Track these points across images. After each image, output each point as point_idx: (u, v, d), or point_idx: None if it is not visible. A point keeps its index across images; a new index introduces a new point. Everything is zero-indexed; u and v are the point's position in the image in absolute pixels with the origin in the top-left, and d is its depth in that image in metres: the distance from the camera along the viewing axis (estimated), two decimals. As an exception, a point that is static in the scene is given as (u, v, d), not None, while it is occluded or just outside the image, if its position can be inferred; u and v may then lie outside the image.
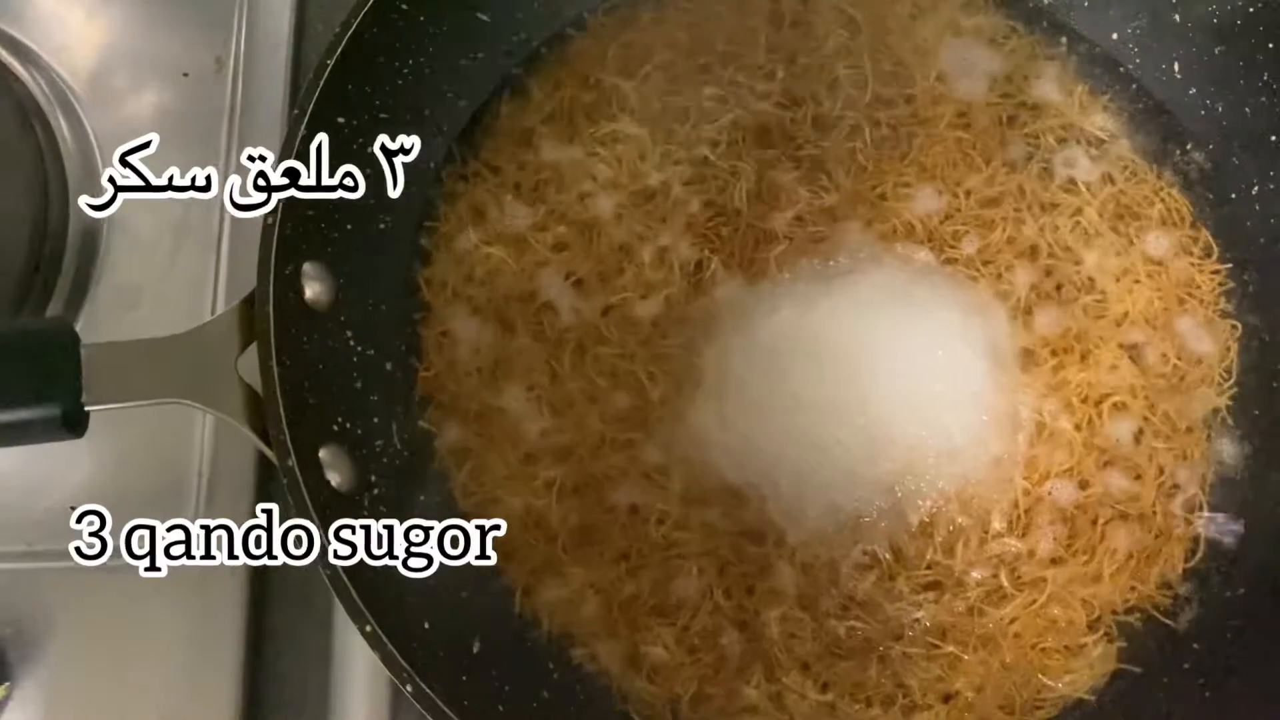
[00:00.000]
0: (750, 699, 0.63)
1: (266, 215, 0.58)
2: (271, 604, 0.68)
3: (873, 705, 0.62)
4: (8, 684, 0.65)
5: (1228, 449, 0.66)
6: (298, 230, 0.60)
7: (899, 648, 0.63)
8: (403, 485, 0.63)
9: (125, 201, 0.74)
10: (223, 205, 0.74)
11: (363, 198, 0.65)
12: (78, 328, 0.70)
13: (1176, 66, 0.71)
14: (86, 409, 0.55)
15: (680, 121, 0.70)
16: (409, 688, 0.52)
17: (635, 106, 0.70)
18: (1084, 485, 0.64)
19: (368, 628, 0.53)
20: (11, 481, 0.69)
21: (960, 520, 0.63)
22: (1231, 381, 0.67)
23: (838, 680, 0.62)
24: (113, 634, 0.67)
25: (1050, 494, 0.64)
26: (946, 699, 0.63)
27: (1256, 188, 0.69)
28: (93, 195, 0.75)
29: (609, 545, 0.65)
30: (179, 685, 0.66)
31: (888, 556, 0.63)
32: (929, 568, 0.63)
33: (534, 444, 0.66)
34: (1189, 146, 0.70)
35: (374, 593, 0.54)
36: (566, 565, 0.64)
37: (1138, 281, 0.67)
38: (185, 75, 0.78)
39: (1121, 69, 0.72)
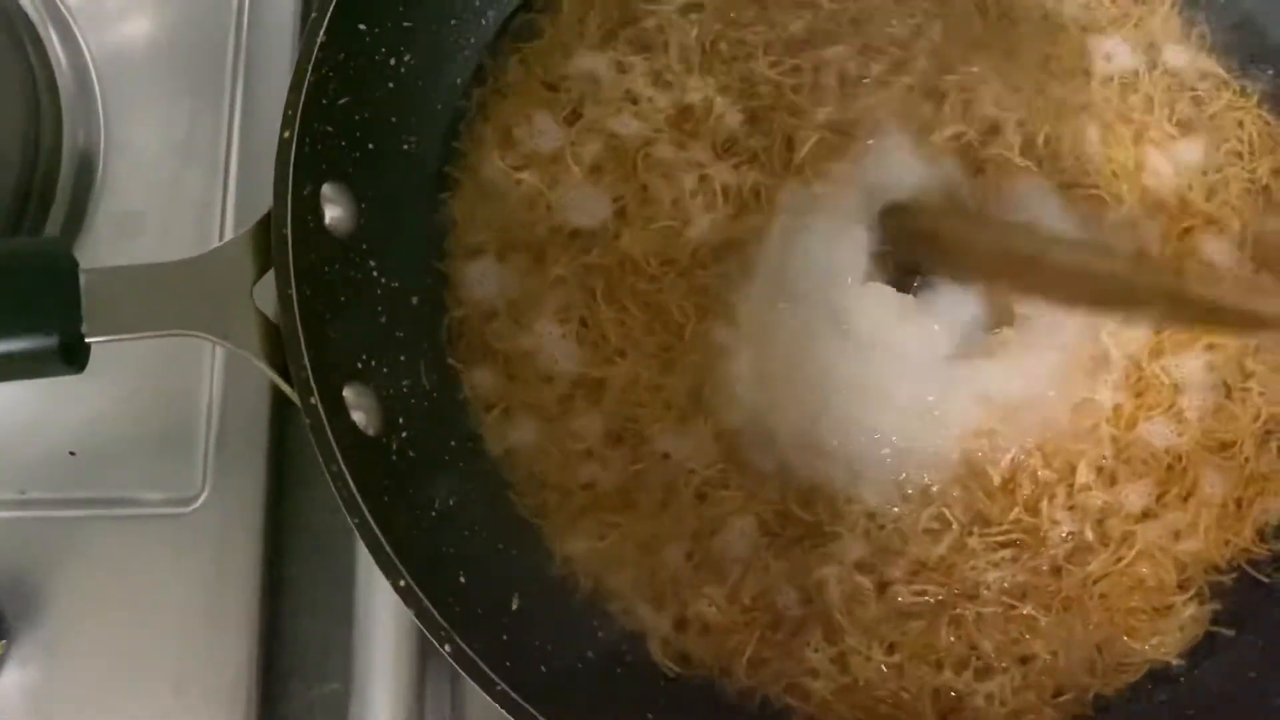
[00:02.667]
0: (811, 661, 0.58)
1: (283, 129, 0.53)
2: (288, 558, 0.63)
3: (944, 668, 0.58)
4: (5, 641, 0.60)
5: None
6: (316, 147, 0.54)
7: (973, 608, 0.58)
8: (431, 429, 0.58)
9: (124, 121, 0.69)
10: (230, 125, 0.69)
11: (385, 114, 0.60)
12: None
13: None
14: (87, 340, 0.49)
15: (725, 26, 0.64)
16: (448, 648, 0.47)
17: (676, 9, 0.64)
18: (1176, 431, 0.59)
19: (401, 582, 0.48)
20: (2, 423, 0.64)
21: (1044, 474, 0.58)
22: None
23: (906, 642, 0.58)
24: (118, 588, 0.62)
25: (1140, 441, 0.59)
26: (1023, 661, 0.58)
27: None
28: (88, 117, 0.70)
29: (647, 496, 0.60)
30: (190, 644, 0.61)
31: (961, 519, 0.58)
32: (1010, 526, 0.58)
33: (566, 385, 0.61)
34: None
35: (406, 545, 0.49)
36: (604, 515, 0.59)
37: (1230, 207, 0.62)
38: (187, -12, 0.72)
39: (1210, -21, 0.66)
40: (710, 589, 0.58)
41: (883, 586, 0.58)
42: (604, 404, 0.61)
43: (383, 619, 0.60)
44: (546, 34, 0.65)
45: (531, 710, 0.47)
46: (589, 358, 0.61)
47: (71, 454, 0.64)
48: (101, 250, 0.66)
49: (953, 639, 0.57)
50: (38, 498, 0.63)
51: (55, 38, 0.70)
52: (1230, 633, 0.58)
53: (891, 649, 0.57)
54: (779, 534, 0.59)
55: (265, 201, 0.53)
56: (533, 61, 0.65)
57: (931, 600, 0.58)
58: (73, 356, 0.50)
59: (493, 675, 0.47)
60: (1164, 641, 0.58)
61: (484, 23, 0.65)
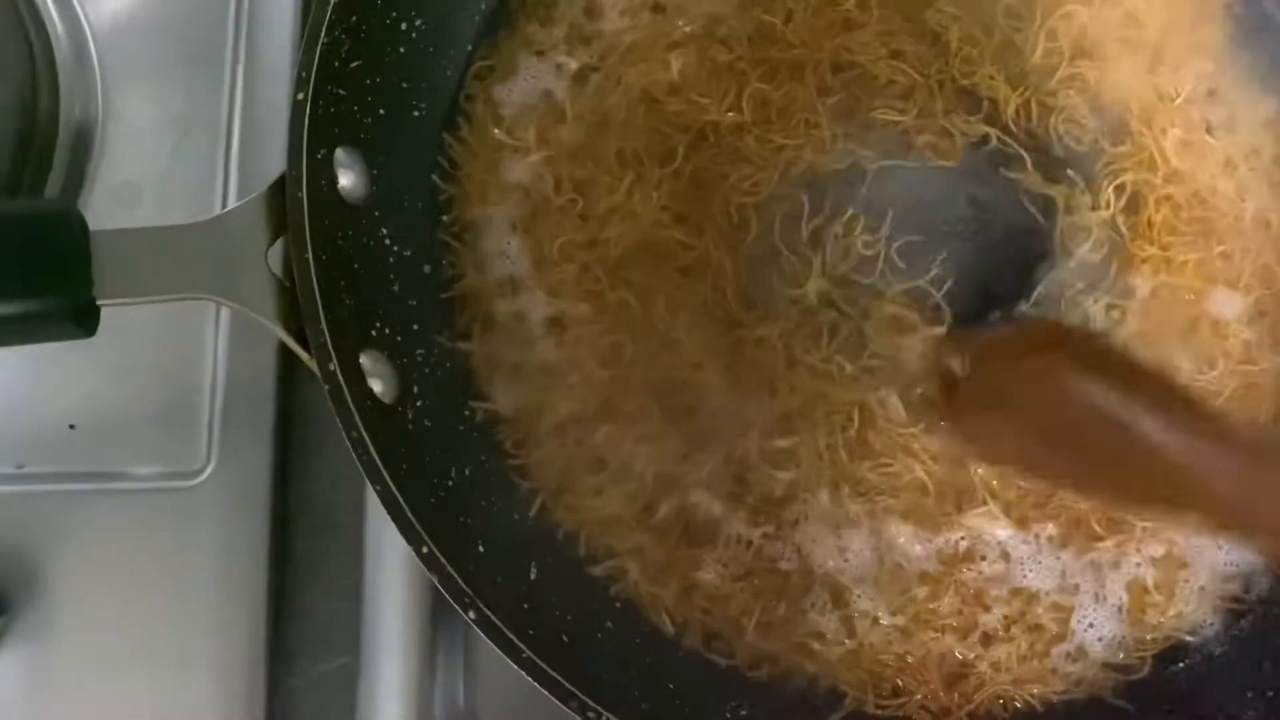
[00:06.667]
0: (817, 625, 0.57)
1: (297, 91, 0.52)
2: (295, 532, 0.62)
3: (946, 634, 0.57)
4: (5, 616, 0.58)
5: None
6: (330, 111, 0.53)
7: (975, 570, 0.58)
8: (446, 398, 0.57)
9: (123, 90, 0.68)
10: (231, 96, 0.67)
11: (396, 79, 0.59)
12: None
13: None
14: (99, 303, 0.48)
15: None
16: (471, 614, 0.47)
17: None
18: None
19: (424, 549, 0.47)
20: (0, 395, 0.62)
21: None
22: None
23: (909, 605, 0.57)
24: (121, 563, 0.60)
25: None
26: (1031, 630, 0.58)
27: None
28: (86, 88, 0.68)
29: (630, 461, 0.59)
30: (196, 619, 0.60)
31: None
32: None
33: (565, 351, 0.60)
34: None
35: (425, 513, 0.49)
36: (600, 484, 0.59)
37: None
38: (186, -48, 0.70)
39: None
40: (703, 554, 0.58)
41: (876, 550, 0.58)
42: (601, 372, 0.60)
43: (392, 593, 0.59)
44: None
45: (557, 676, 0.47)
46: (590, 321, 0.60)
47: (71, 427, 0.62)
48: (99, 221, 0.64)
49: (957, 603, 0.57)
50: (37, 472, 0.62)
51: (52, 5, 0.68)
52: (1244, 606, 0.58)
53: (896, 612, 0.57)
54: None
55: (266, 172, 0.53)
56: (536, 25, 0.64)
57: (933, 566, 0.58)
58: (83, 319, 0.48)
59: (517, 641, 0.47)
60: (1183, 613, 0.58)
61: (494, -14, 0.64)
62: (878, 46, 0.62)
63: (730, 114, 0.62)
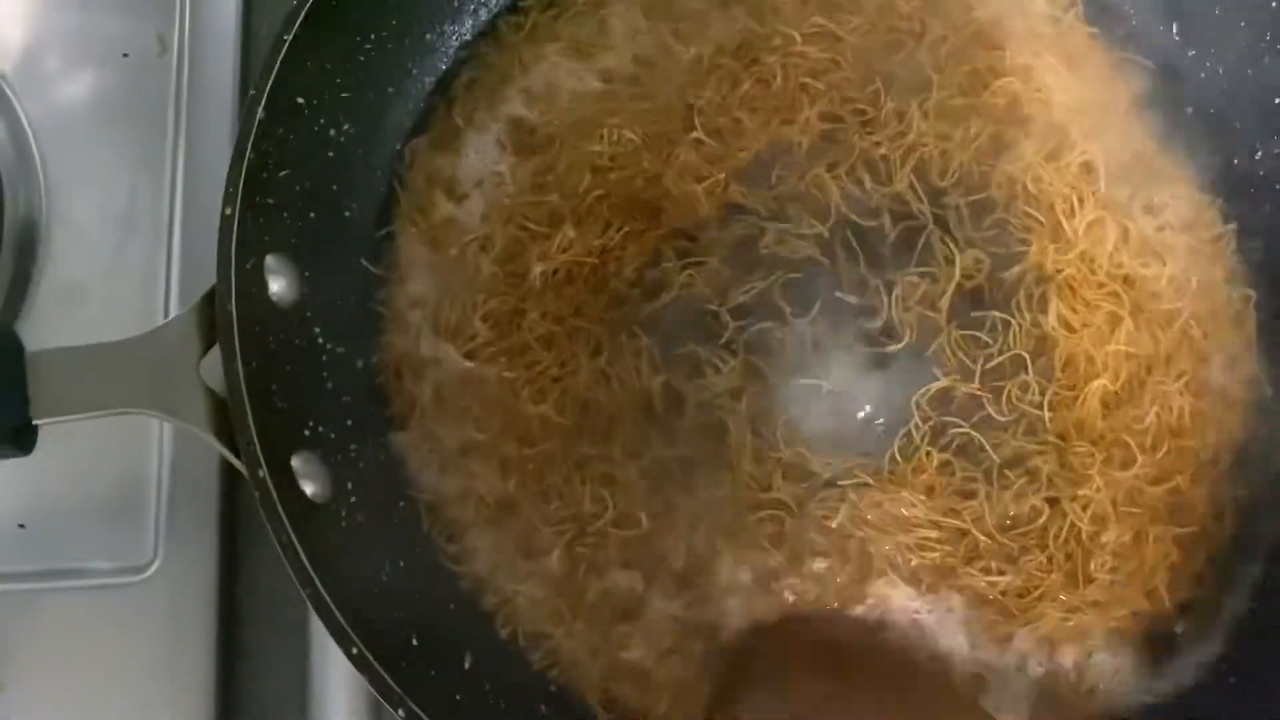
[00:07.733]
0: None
1: (224, 206, 0.54)
2: (242, 621, 0.64)
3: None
4: (-42, 718, 0.60)
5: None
6: (259, 221, 0.55)
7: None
8: (379, 492, 0.59)
9: (65, 191, 0.70)
10: (172, 196, 0.69)
11: (326, 183, 0.61)
12: (17, 332, 0.67)
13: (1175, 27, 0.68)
14: (34, 423, 0.50)
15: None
16: (401, 712, 0.48)
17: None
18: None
19: (354, 650, 0.49)
20: (-50, 499, 0.64)
21: None
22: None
23: None
24: (72, 658, 0.62)
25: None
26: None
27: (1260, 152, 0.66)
28: (29, 187, 0.70)
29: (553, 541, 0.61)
30: (147, 710, 0.61)
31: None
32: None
33: (488, 440, 0.62)
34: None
35: (358, 611, 0.50)
36: (529, 568, 0.60)
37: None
38: (125, 56, 0.72)
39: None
40: (625, 630, 0.59)
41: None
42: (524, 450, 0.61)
43: (338, 681, 0.61)
44: (477, 90, 0.67)
45: (485, 770, 0.48)
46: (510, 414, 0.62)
47: (21, 526, 0.64)
48: (45, 323, 0.67)
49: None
50: (-12, 572, 0.63)
51: (-9, 107, 0.71)
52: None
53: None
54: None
55: (209, 271, 0.54)
56: (464, 119, 0.66)
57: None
58: (20, 439, 0.51)
59: (446, 738, 0.48)
60: (1098, 689, 0.59)
61: (421, 87, 0.66)
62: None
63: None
